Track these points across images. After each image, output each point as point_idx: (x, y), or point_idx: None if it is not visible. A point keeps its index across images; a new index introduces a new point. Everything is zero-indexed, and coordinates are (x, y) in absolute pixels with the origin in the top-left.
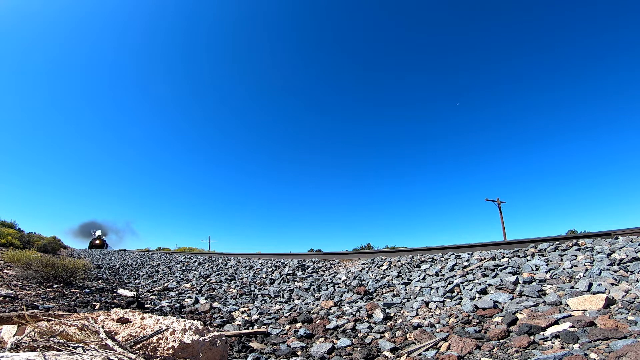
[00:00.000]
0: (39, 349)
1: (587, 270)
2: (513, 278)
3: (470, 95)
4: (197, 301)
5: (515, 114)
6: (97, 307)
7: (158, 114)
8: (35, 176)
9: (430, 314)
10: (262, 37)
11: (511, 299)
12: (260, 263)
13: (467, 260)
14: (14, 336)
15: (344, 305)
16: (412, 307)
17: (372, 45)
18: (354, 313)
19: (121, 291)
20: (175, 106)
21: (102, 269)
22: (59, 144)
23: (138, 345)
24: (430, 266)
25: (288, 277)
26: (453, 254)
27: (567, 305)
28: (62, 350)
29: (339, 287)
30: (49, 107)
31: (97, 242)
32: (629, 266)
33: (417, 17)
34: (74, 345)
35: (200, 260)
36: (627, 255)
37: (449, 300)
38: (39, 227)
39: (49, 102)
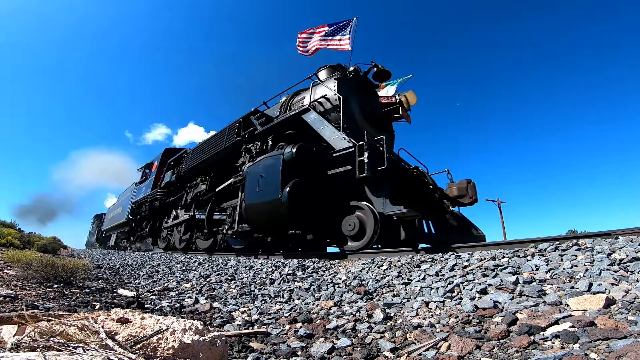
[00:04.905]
0: (39, 349)
1: (587, 270)
2: (513, 278)
3: (470, 95)
4: (197, 301)
5: (516, 114)
6: (97, 307)
7: (159, 113)
8: (34, 175)
9: (430, 314)
10: (265, 38)
11: (511, 299)
12: (260, 263)
13: (467, 260)
14: (14, 336)
15: (344, 305)
16: (412, 307)
17: (374, 43)
18: (354, 313)
19: (121, 291)
20: (176, 105)
21: (102, 269)
22: (59, 143)
23: (138, 345)
24: (430, 266)
25: (288, 277)
26: (453, 254)
27: (567, 305)
28: (62, 350)
29: (339, 287)
30: (50, 106)
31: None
32: (629, 266)
33: (417, 17)
34: (74, 345)
35: (200, 261)
36: (627, 255)
37: (449, 300)
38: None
39: (50, 102)
